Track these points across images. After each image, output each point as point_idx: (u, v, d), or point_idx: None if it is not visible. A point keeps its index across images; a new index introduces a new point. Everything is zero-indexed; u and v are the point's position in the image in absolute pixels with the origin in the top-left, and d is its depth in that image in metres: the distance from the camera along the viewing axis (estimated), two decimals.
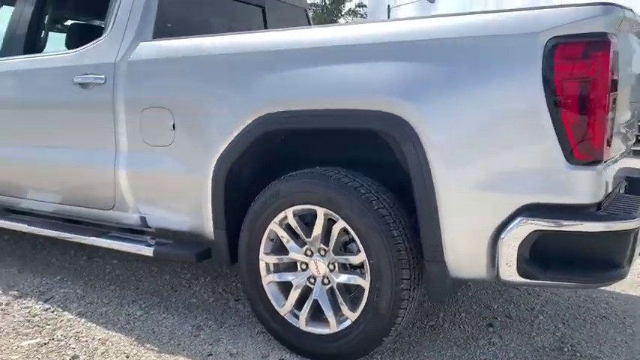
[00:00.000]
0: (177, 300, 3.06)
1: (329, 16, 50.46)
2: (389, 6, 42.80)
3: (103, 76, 2.87)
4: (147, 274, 3.45)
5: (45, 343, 2.50)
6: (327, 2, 50.55)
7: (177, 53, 2.70)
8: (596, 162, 1.86)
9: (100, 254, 3.72)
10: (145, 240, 2.94)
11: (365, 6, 50.79)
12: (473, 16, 2.04)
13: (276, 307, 2.45)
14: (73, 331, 2.63)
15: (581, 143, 1.84)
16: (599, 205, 1.94)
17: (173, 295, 3.13)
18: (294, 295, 2.41)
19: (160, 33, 2.90)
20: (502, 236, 1.94)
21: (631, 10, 1.96)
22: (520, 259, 1.93)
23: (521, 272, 1.94)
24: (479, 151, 1.97)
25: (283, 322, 2.44)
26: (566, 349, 2.59)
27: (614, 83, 1.85)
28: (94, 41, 3.01)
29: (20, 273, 3.45)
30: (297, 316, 2.41)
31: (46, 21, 3.50)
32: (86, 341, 2.53)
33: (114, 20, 2.96)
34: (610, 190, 2.11)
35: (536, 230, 1.89)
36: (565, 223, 1.86)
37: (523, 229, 1.90)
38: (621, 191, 2.49)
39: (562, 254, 1.93)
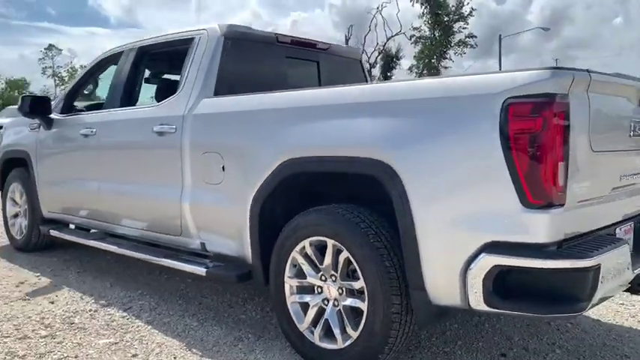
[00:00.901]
0: (229, 315, 3.57)
1: (437, 48, 50.48)
2: (500, 36, 42.05)
3: (174, 126, 3.51)
4: (211, 293, 4.00)
5: (115, 343, 3.10)
6: (436, 34, 50.69)
7: (227, 108, 3.28)
8: (551, 206, 2.10)
9: (179, 274, 4.34)
10: (205, 262, 3.49)
11: (475, 36, 50.22)
12: (447, 78, 2.39)
13: (297, 324, 2.86)
14: (139, 335, 3.21)
15: (533, 189, 2.09)
16: (560, 244, 2.16)
17: (227, 311, 3.64)
18: (311, 313, 2.81)
19: (221, 91, 3.49)
20: (470, 269, 2.22)
21: (586, 71, 2.19)
22: (485, 290, 2.19)
23: (486, 302, 2.20)
24: (449, 194, 2.28)
25: (301, 336, 2.84)
26: (560, 351, 2.73)
27: (565, 136, 2.09)
28: (170, 97, 3.68)
29: (112, 287, 4.16)
30: (312, 332, 2.80)
31: (138, 80, 4.27)
32: (147, 343, 3.10)
33: (185, 80, 3.61)
34: (586, 229, 2.31)
35: (496, 265, 2.15)
36: (519, 259, 2.11)
37: (486, 263, 2.17)
38: (623, 231, 2.64)
39: (520, 287, 2.17)
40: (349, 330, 2.65)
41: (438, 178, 2.31)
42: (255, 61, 3.82)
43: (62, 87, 50.37)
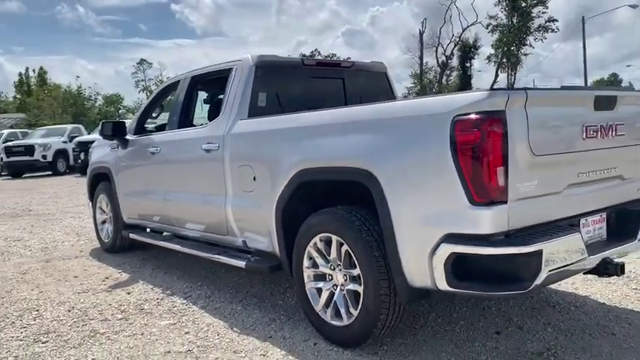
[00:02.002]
0: (269, 301, 4.22)
1: (516, 35, 48.90)
2: (583, 18, 40.21)
3: (217, 144, 4.20)
4: (258, 283, 4.67)
5: (174, 324, 3.83)
6: (514, 21, 49.12)
7: (254, 128, 3.92)
8: (493, 203, 2.54)
9: (234, 269, 5.02)
10: (248, 257, 4.15)
11: (556, 20, 48.22)
12: (413, 100, 2.88)
13: (314, 306, 3.44)
14: (193, 317, 3.93)
15: (477, 190, 2.55)
16: (507, 234, 2.60)
17: (268, 298, 4.29)
18: (324, 297, 3.38)
19: (254, 113, 4.14)
20: (434, 256, 2.70)
21: (524, 89, 2.60)
22: (446, 273, 2.67)
23: (448, 283, 2.68)
24: (416, 195, 2.78)
25: (317, 316, 3.42)
26: (545, 354, 3.13)
27: (502, 145, 2.52)
28: (215, 119, 4.38)
29: (177, 279, 4.94)
30: (325, 312, 3.37)
31: (192, 104, 5.02)
32: (198, 324, 3.80)
33: (225, 104, 4.29)
34: (538, 220, 2.72)
35: (453, 252, 2.63)
36: (471, 248, 2.57)
37: (445, 251, 2.65)
38: (591, 222, 3.01)
39: (474, 270, 2.62)
40: (351, 309, 3.20)
41: (407, 182, 2.81)
42: (284, 83, 4.44)
43: None
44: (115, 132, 5.58)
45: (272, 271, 3.85)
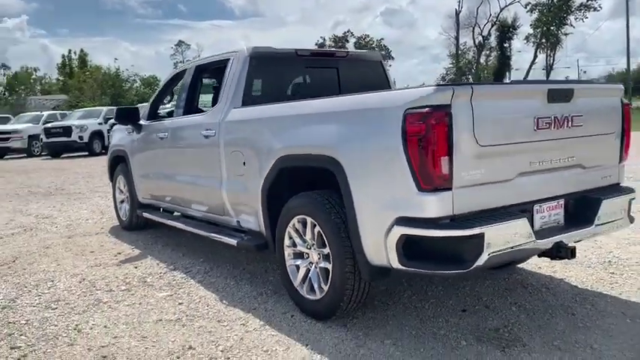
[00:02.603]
0: (261, 277, 4.54)
1: (556, 14, 47.58)
2: None
3: (214, 131, 4.51)
4: (254, 261, 5.01)
5: (170, 296, 4.19)
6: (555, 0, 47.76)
7: (244, 117, 4.21)
8: (437, 189, 2.77)
9: (234, 248, 5.38)
10: (241, 236, 4.47)
11: None
12: (373, 94, 3.12)
13: (292, 281, 3.74)
14: (189, 290, 4.29)
15: (424, 177, 2.78)
16: (452, 218, 2.82)
17: (261, 274, 4.62)
18: (301, 273, 3.67)
19: (248, 101, 4.42)
20: (388, 237, 2.95)
21: (469, 84, 2.79)
22: (398, 253, 2.92)
23: (400, 262, 2.93)
24: (374, 181, 3.02)
25: (296, 291, 3.71)
26: (502, 330, 3.35)
27: (447, 136, 2.73)
28: (213, 107, 4.69)
29: (183, 256, 5.32)
30: (302, 287, 3.66)
31: (196, 92, 5.34)
32: (192, 296, 4.16)
33: (222, 93, 4.59)
34: (487, 206, 2.93)
35: (403, 234, 2.87)
36: (418, 230, 2.81)
37: (396, 233, 2.90)
38: (546, 208, 3.20)
39: (422, 251, 2.87)
40: (322, 285, 3.48)
41: (367, 169, 3.06)
42: (277, 74, 4.71)
43: None
44: (129, 117, 5.96)
45: (259, 250, 4.16)
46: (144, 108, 6.30)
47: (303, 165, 3.61)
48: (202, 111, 5.35)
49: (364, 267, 3.18)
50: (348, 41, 43.28)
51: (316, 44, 42.83)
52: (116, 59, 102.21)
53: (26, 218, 7.88)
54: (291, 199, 3.68)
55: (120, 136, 6.69)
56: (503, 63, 55.97)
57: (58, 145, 21.28)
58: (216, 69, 5.08)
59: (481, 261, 2.81)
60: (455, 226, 2.80)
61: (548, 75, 51.87)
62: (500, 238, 2.87)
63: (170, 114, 5.99)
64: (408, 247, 2.90)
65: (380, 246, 3.02)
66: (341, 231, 3.28)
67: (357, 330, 3.42)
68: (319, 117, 3.44)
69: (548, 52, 51.08)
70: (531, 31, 51.65)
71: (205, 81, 5.67)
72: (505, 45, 55.69)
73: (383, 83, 5.24)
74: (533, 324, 3.44)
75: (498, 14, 52.28)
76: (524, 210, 3.13)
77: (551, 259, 3.30)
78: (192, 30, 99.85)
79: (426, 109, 2.75)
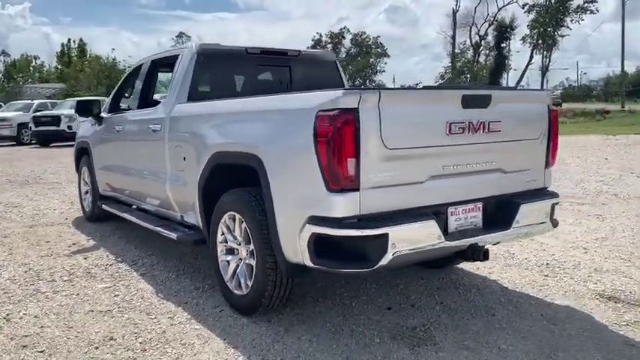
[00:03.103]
0: (202, 272, 4.61)
1: (553, 15, 47.55)
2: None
3: (159, 126, 4.57)
4: (202, 256, 5.07)
5: (109, 287, 4.26)
6: (552, 1, 47.71)
7: (185, 113, 4.28)
8: (344, 190, 2.84)
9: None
10: (185, 231, 4.53)
11: (595, 1, 46.56)
12: (293, 95, 3.19)
13: (223, 276, 3.81)
14: (128, 283, 4.36)
15: (332, 178, 2.84)
16: (360, 218, 2.89)
17: (204, 270, 4.68)
18: (231, 269, 3.74)
19: (194, 98, 4.48)
20: (301, 236, 3.02)
21: (377, 89, 2.86)
22: (310, 251, 2.99)
23: (312, 260, 3.00)
24: (291, 180, 3.09)
25: (226, 286, 3.79)
26: (419, 329, 3.43)
27: (354, 138, 2.79)
28: (161, 103, 4.75)
29: (135, 248, 5.40)
30: (232, 282, 3.74)
31: (150, 86, 5.40)
32: (129, 288, 4.23)
33: (170, 88, 4.65)
34: (396, 207, 2.99)
35: (313, 233, 2.94)
36: (327, 229, 2.88)
37: (308, 231, 2.97)
38: (461, 210, 3.27)
39: (331, 249, 2.93)
40: (248, 281, 3.56)
41: (285, 168, 3.13)
42: (226, 71, 4.77)
43: None
44: (89, 109, 6.02)
45: (196, 244, 4.23)
46: (105, 101, 6.36)
47: (234, 162, 3.67)
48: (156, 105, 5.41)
49: (282, 264, 3.25)
50: (344, 37, 43.24)
51: (312, 40, 42.80)
52: (113, 49, 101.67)
53: None
54: (223, 196, 3.75)
55: (85, 127, 6.76)
56: (500, 63, 55.99)
57: (47, 133, 21.29)
58: (169, 64, 5.13)
59: (385, 260, 2.88)
60: (360, 226, 2.86)
61: (543, 76, 51.93)
62: (405, 238, 2.94)
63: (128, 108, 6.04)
64: (319, 246, 2.97)
65: (295, 244, 3.09)
66: (263, 228, 3.35)
67: (279, 325, 3.49)
68: (246, 115, 3.52)
69: (545, 53, 51.05)
70: (528, 31, 51.64)
71: (158, 75, 5.72)
72: (503, 45, 55.71)
73: (337, 83, 5.30)
74: (452, 324, 3.51)
75: (496, 14, 52.29)
76: (437, 212, 3.20)
77: (466, 260, 3.37)
78: (195, 22, 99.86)
79: (335, 111, 2.81)
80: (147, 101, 5.37)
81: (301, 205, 3.03)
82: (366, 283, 4.23)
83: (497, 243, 3.47)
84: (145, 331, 3.45)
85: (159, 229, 4.65)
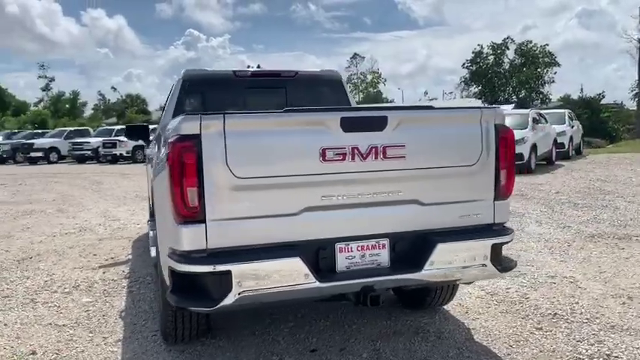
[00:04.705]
0: None
1: None
2: None
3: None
4: None
5: (94, 302, 4.53)
6: None
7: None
8: (187, 222, 2.66)
9: None
10: None
11: None
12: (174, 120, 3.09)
13: None
14: (111, 300, 4.58)
15: (176, 209, 2.67)
16: (211, 253, 2.67)
17: None
18: None
19: None
20: (168, 268, 2.89)
21: (222, 114, 2.61)
22: (171, 286, 2.86)
23: (168, 295, 2.86)
24: (161, 209, 3.01)
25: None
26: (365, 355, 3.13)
27: (196, 166, 2.60)
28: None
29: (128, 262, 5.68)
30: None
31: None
32: (106, 305, 4.44)
33: (164, 113, 4.84)
34: (258, 241, 2.73)
35: (169, 267, 2.80)
36: (175, 263, 2.71)
37: (165, 264, 2.86)
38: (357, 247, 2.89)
39: (186, 285, 2.76)
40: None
41: (157, 197, 3.06)
42: (213, 95, 4.81)
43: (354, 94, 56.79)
44: (138, 134, 6.49)
45: None
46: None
47: None
48: None
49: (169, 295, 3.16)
50: (508, 48, 40.59)
51: (473, 52, 40.93)
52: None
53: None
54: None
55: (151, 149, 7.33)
56: None
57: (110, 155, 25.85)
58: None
59: (229, 300, 2.64)
60: (202, 262, 2.66)
61: None
62: (255, 276, 2.66)
63: None
64: (175, 280, 2.83)
65: (167, 275, 2.99)
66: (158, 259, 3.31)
67: (189, 356, 3.40)
68: (157, 142, 3.53)
69: None
70: None
71: None
72: None
73: (341, 103, 5.03)
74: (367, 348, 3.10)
75: None
76: (320, 247, 2.85)
77: (355, 304, 2.94)
78: (373, 42, 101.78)
79: (176, 138, 2.67)
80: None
81: (167, 236, 2.93)
82: (319, 318, 3.92)
83: (411, 287, 2.96)
84: (68, 348, 3.60)
85: None
